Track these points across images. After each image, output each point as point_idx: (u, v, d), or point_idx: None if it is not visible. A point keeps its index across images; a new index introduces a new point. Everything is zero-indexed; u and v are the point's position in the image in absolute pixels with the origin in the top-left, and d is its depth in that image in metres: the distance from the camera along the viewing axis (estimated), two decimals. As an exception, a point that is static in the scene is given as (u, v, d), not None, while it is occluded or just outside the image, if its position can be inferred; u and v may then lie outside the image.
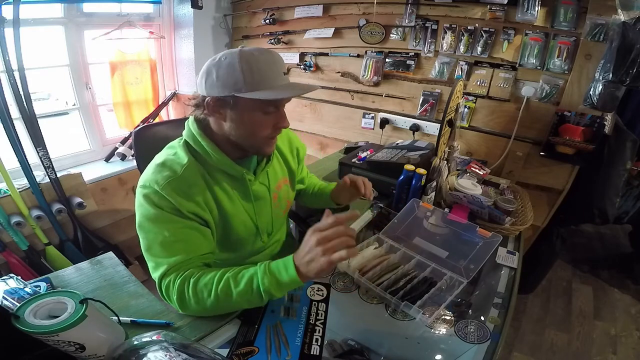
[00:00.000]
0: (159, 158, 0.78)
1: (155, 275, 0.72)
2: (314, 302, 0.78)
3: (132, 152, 2.05)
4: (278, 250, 1.06)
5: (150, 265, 0.73)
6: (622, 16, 1.19)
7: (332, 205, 1.08)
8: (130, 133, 2.08)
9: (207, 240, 0.77)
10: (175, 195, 0.71)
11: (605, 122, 1.36)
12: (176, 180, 0.72)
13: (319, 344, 0.68)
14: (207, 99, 0.73)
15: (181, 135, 0.82)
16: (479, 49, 1.53)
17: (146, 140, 1.08)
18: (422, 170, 1.14)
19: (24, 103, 1.53)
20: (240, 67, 0.68)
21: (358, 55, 1.88)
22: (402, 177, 1.16)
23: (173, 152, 0.79)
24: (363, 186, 0.97)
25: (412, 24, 1.65)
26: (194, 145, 0.78)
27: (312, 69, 2.04)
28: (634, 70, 1.17)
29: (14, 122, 1.49)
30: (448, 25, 1.58)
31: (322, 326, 0.72)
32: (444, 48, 1.61)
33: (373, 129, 1.95)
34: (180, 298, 0.69)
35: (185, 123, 0.81)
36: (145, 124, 1.18)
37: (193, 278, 0.69)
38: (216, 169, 0.79)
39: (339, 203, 1.08)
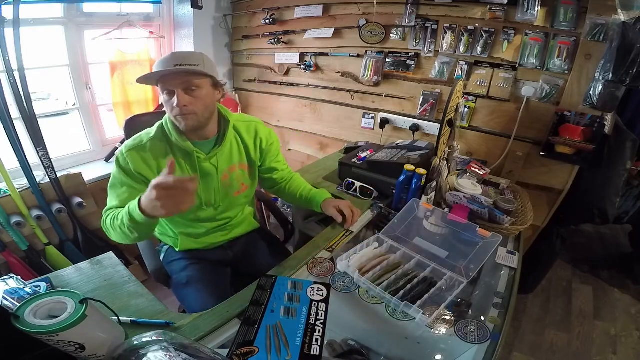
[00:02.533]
0: (138, 133, 1.02)
1: (104, 210, 0.96)
2: (314, 302, 0.78)
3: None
4: (238, 230, 1.20)
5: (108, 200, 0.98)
6: (622, 16, 1.19)
7: (320, 211, 1.16)
8: (130, 133, 2.08)
9: None
10: (133, 158, 0.95)
11: (605, 122, 1.36)
12: (139, 148, 0.96)
13: (319, 344, 0.68)
14: None
15: None
16: (479, 49, 1.53)
17: (136, 129, 1.14)
18: (422, 170, 1.14)
19: (24, 103, 1.53)
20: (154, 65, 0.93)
21: (358, 55, 1.88)
22: (402, 177, 1.17)
23: (149, 129, 1.02)
24: (350, 218, 1.10)
25: (412, 24, 1.65)
26: (164, 126, 1.00)
27: (312, 69, 2.04)
28: (634, 70, 1.17)
29: (14, 122, 1.49)
30: (448, 25, 1.58)
31: (322, 326, 0.72)
32: (444, 48, 1.61)
33: (373, 129, 1.95)
34: (105, 229, 0.93)
35: None
36: (134, 115, 1.29)
37: (111, 215, 0.91)
38: (175, 145, 0.99)
39: (327, 214, 1.15)
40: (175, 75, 0.90)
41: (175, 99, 0.90)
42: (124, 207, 0.89)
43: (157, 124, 1.02)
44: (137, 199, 0.79)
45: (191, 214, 1.07)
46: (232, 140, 1.07)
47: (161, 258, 1.16)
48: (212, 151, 1.03)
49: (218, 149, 1.04)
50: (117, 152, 0.98)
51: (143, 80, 0.92)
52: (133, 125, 1.21)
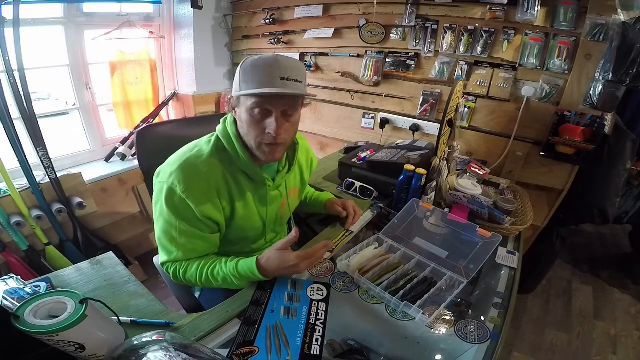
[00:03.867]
0: (183, 155, 0.81)
1: (160, 260, 0.87)
2: (314, 302, 0.78)
3: (133, 151, 2.05)
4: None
5: (159, 249, 0.86)
6: (622, 16, 1.19)
7: (324, 212, 1.16)
8: (131, 133, 2.08)
9: (209, 246, 0.86)
10: (195, 200, 0.77)
11: (605, 122, 1.36)
12: (198, 181, 0.77)
13: (319, 344, 0.68)
14: (228, 97, 0.82)
15: (194, 135, 0.89)
16: (479, 49, 1.53)
17: (149, 140, 1.08)
18: (422, 170, 1.14)
19: (24, 103, 1.53)
20: (241, 69, 0.75)
21: (358, 55, 1.88)
22: (402, 177, 1.16)
23: (198, 149, 0.82)
24: (352, 217, 1.07)
25: (412, 24, 1.65)
26: (226, 143, 0.81)
27: (312, 69, 2.04)
28: (634, 70, 1.17)
29: (14, 122, 1.49)
30: (448, 25, 1.58)
31: (322, 326, 0.72)
32: (444, 48, 1.61)
33: (373, 129, 1.95)
34: (175, 279, 0.85)
35: (222, 120, 0.86)
36: (148, 124, 1.18)
37: (182, 269, 0.83)
38: (239, 170, 0.83)
39: (330, 213, 1.14)
40: (281, 95, 0.72)
41: (272, 124, 0.74)
42: (189, 258, 0.83)
43: (208, 140, 0.84)
44: (254, 261, 0.77)
45: (251, 243, 0.98)
46: None
47: (197, 295, 1.06)
48: (277, 177, 0.90)
49: (287, 175, 0.92)
50: (164, 193, 0.78)
51: (245, 93, 0.73)
52: (146, 137, 1.09)
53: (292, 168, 0.93)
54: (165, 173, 0.79)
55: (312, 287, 0.83)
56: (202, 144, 0.84)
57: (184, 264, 0.84)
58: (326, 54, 1.99)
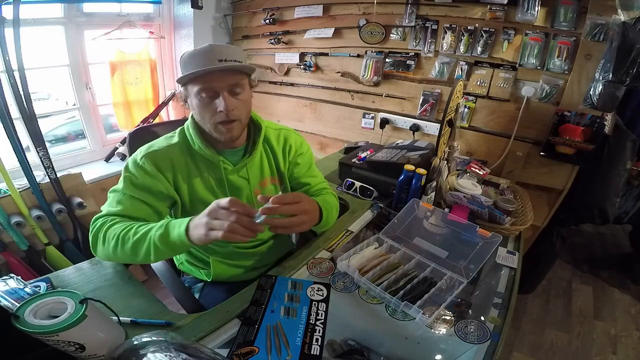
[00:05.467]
0: (160, 137, 0.91)
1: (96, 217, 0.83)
2: (314, 302, 0.78)
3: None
4: (272, 256, 1.07)
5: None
6: (622, 16, 1.19)
7: None
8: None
9: (151, 213, 0.84)
10: (145, 170, 0.82)
11: (605, 122, 1.36)
12: (158, 153, 0.84)
13: (319, 344, 0.68)
14: (177, 92, 0.86)
15: None
16: (479, 49, 1.53)
17: (141, 142, 1.08)
18: (422, 170, 1.14)
19: (24, 103, 1.53)
20: (181, 62, 0.80)
21: (358, 55, 1.88)
22: (402, 177, 1.17)
23: (172, 134, 0.91)
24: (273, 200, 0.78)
25: (412, 24, 1.65)
26: (186, 132, 0.89)
27: (312, 69, 2.04)
28: (634, 70, 1.17)
29: (14, 122, 1.49)
30: (448, 25, 1.58)
31: (322, 326, 0.72)
32: (444, 48, 1.61)
33: (373, 129, 1.95)
34: (94, 237, 0.79)
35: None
36: (140, 126, 1.18)
37: (109, 223, 0.78)
38: (199, 155, 0.87)
39: None
40: (222, 74, 0.76)
41: (220, 102, 0.77)
42: (123, 216, 0.80)
43: (178, 131, 0.90)
44: (186, 221, 0.70)
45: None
46: (262, 150, 0.95)
47: (197, 295, 1.04)
48: (240, 162, 0.91)
49: (247, 159, 0.91)
50: (129, 160, 0.85)
51: (183, 80, 0.79)
52: (139, 139, 1.09)
53: (253, 152, 0.91)
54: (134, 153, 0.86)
55: (312, 287, 0.83)
56: (175, 132, 0.90)
57: (115, 219, 0.78)
58: (326, 54, 1.99)
